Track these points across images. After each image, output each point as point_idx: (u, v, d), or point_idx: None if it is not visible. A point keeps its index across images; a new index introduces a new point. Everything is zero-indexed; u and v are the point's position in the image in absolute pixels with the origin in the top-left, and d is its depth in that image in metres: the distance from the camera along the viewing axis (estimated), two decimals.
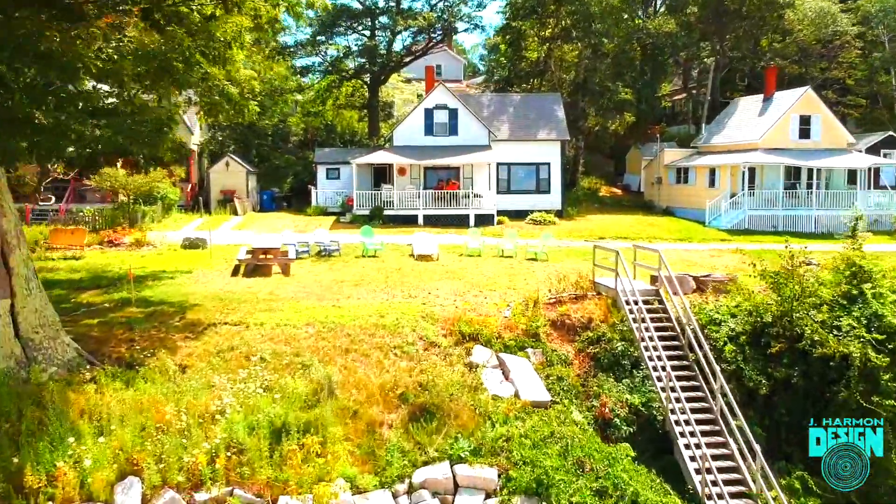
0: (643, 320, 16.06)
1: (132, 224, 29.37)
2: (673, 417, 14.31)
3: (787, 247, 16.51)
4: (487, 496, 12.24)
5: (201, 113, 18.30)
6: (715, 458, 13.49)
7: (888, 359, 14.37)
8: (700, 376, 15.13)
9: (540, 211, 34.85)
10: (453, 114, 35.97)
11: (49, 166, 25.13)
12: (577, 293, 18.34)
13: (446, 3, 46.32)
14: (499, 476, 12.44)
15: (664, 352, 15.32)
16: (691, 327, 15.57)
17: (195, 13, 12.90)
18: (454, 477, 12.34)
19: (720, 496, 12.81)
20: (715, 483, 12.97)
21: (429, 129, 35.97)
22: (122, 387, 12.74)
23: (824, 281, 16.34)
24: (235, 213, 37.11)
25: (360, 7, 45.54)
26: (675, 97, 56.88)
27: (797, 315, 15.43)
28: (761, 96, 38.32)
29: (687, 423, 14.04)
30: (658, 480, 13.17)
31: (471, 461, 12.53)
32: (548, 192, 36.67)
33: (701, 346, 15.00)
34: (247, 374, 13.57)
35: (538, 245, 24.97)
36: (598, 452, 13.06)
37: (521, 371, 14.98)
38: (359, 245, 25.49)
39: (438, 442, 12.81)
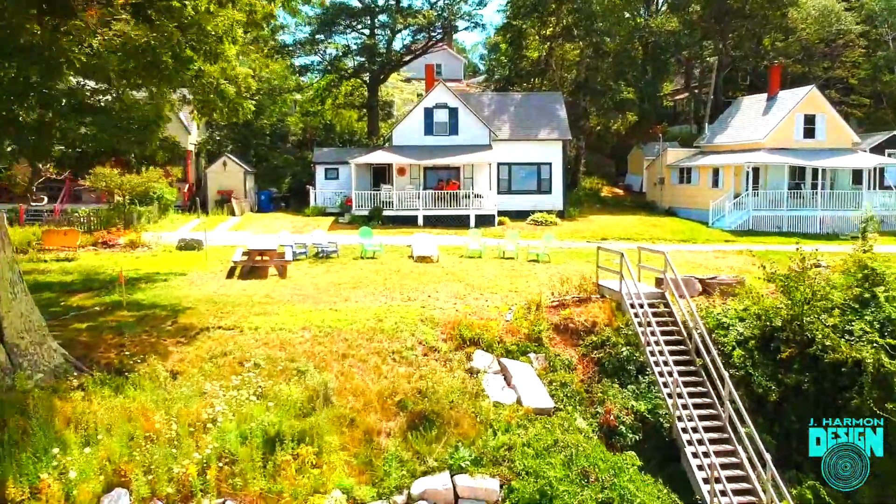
0: (649, 324, 15.66)
1: (127, 225, 28.98)
2: (680, 425, 13.93)
3: (798, 249, 16.14)
4: None
5: (195, 112, 17.87)
6: (724, 466, 13.07)
7: None
8: (708, 382, 14.72)
9: (541, 211, 34.44)
10: (453, 113, 35.58)
11: (40, 166, 24.71)
12: (581, 296, 17.91)
13: (446, 2, 45.87)
14: (501, 487, 12.03)
15: (670, 357, 14.89)
16: (698, 331, 15.14)
17: (188, 7, 12.49)
18: (454, 488, 11.91)
19: None
20: (724, 493, 12.53)
21: (429, 129, 35.57)
22: (111, 394, 12.34)
23: (835, 284, 15.96)
24: (233, 213, 36.73)
25: (359, 5, 45.16)
26: (678, 96, 56.53)
27: (808, 319, 15.04)
28: (765, 95, 37.94)
29: (694, 430, 13.63)
30: (665, 490, 12.82)
31: (472, 471, 12.11)
32: (549, 192, 36.29)
33: (708, 351, 14.58)
34: (240, 380, 13.13)
35: (540, 246, 24.54)
36: (604, 462, 12.65)
37: (524, 377, 14.57)
38: (357, 246, 25.07)
39: (438, 451, 12.38)
